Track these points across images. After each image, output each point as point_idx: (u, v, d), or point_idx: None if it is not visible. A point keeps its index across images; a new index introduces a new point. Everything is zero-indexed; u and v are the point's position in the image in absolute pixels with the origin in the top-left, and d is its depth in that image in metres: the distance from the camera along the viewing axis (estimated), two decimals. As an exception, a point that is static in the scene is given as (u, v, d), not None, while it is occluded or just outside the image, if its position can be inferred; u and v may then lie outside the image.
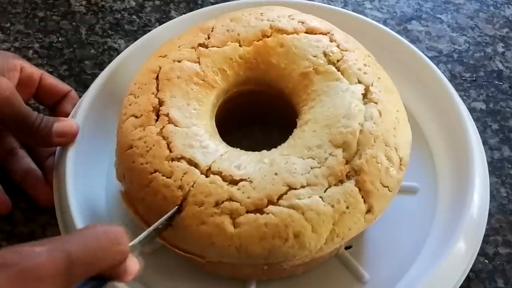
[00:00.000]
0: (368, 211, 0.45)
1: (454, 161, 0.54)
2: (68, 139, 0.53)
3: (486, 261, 0.53)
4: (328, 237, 0.44)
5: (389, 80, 0.51)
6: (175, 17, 0.69)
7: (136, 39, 0.62)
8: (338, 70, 0.50)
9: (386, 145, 0.46)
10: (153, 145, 0.47)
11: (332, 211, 0.44)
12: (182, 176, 0.45)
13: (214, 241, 0.44)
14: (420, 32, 0.68)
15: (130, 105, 0.50)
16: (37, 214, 0.55)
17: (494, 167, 0.58)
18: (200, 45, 0.52)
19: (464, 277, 0.49)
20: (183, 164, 0.46)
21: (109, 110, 0.56)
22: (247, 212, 0.44)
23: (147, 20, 0.69)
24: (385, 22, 0.68)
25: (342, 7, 0.70)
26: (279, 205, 0.44)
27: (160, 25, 0.67)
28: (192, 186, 0.45)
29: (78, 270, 0.35)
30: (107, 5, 0.70)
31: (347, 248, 0.51)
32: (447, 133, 0.55)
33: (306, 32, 0.52)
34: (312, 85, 0.50)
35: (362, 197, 0.45)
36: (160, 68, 0.51)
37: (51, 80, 0.57)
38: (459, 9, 0.70)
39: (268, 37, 0.52)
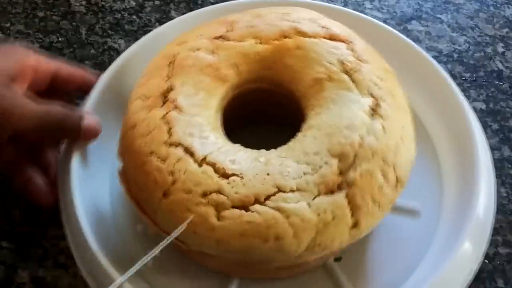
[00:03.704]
0: (354, 225, 0.45)
1: (459, 164, 0.54)
2: (92, 138, 0.53)
3: (486, 261, 0.53)
4: (309, 245, 0.44)
5: (403, 99, 0.50)
6: (175, 17, 0.70)
7: (136, 39, 0.62)
8: (351, 80, 0.49)
9: (384, 162, 0.45)
10: (154, 128, 0.47)
11: (316, 219, 0.44)
12: (176, 162, 0.46)
13: (196, 230, 0.44)
14: (420, 32, 0.68)
15: (141, 86, 0.51)
16: (37, 214, 0.55)
17: (494, 167, 0.58)
18: (219, 37, 0.52)
19: (470, 280, 0.48)
20: (179, 151, 0.46)
21: (113, 110, 0.55)
22: (233, 207, 0.44)
23: (147, 20, 0.69)
24: (385, 22, 0.68)
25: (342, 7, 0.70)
26: (265, 205, 0.44)
27: (160, 25, 0.67)
28: (184, 173, 0.45)
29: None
30: (107, 5, 0.71)
31: (337, 259, 0.50)
32: (452, 133, 0.55)
33: (327, 38, 0.51)
34: (322, 92, 0.49)
35: (351, 210, 0.44)
36: (176, 54, 0.51)
37: (68, 70, 0.56)
38: (459, 9, 0.70)
39: (288, 38, 0.51)
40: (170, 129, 0.47)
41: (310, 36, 0.51)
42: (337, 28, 0.52)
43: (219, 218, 0.44)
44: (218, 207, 0.44)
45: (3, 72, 0.50)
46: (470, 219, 0.49)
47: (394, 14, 0.70)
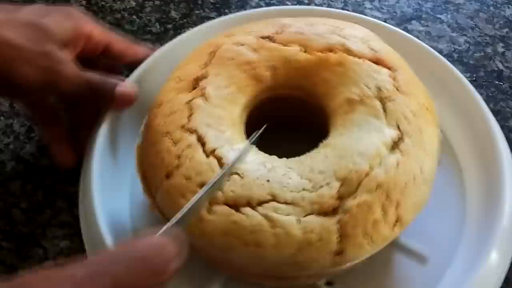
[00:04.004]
0: (339, 253, 0.43)
1: (483, 171, 0.53)
2: (127, 104, 0.54)
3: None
4: (288, 260, 0.43)
5: (433, 140, 0.48)
6: (175, 17, 0.70)
7: (136, 39, 0.62)
8: (383, 109, 0.47)
9: (387, 198, 0.44)
10: (177, 111, 0.49)
11: (301, 237, 0.43)
12: (186, 148, 0.46)
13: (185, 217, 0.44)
14: (420, 32, 0.68)
15: (180, 68, 0.52)
16: (37, 214, 0.55)
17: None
18: (266, 37, 0.52)
19: None
20: (192, 138, 0.47)
21: (133, 118, 0.55)
22: (225, 204, 0.44)
23: (147, 20, 0.69)
24: (385, 22, 0.68)
25: (342, 7, 0.70)
26: (256, 210, 0.44)
27: (160, 25, 0.68)
28: (189, 160, 0.46)
29: None
30: (107, 5, 0.71)
31: (329, 284, 0.49)
32: (474, 139, 0.55)
33: (372, 60, 0.50)
34: (351, 113, 0.48)
35: (339, 237, 0.43)
36: (220, 45, 0.52)
37: (120, 47, 0.57)
38: (459, 9, 0.70)
39: (333, 52, 0.50)
40: (190, 115, 0.48)
41: (355, 55, 0.50)
42: (387, 53, 0.51)
43: (209, 211, 0.44)
44: (211, 201, 0.44)
45: (58, 36, 0.51)
46: (497, 229, 0.48)
47: (394, 14, 0.70)
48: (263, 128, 0.48)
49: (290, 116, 0.54)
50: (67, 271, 0.33)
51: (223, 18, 0.63)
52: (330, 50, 0.51)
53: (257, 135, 0.48)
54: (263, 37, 0.52)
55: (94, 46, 0.55)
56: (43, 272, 0.33)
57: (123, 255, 0.34)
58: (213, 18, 0.69)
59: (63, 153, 0.56)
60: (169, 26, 0.69)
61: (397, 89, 0.48)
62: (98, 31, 0.55)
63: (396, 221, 0.44)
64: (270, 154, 0.48)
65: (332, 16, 0.56)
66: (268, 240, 0.43)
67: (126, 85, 0.54)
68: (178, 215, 0.40)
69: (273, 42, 0.52)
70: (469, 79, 0.64)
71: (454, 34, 0.68)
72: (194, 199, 0.42)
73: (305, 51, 0.51)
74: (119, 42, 0.57)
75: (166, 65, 0.55)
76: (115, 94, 0.53)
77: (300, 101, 0.52)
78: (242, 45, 0.52)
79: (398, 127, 0.47)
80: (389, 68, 0.50)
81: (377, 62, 0.50)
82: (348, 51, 0.50)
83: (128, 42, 0.58)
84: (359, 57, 0.50)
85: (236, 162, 0.45)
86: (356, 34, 0.52)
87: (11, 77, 0.49)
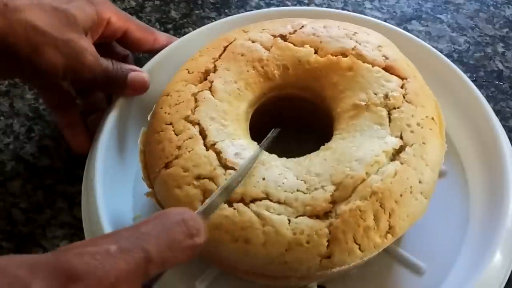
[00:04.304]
0: (327, 257, 0.43)
1: (486, 171, 0.53)
2: (139, 91, 0.55)
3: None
4: (276, 259, 0.43)
5: (435, 151, 0.47)
6: (175, 17, 0.70)
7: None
8: (388, 117, 0.47)
9: (380, 206, 0.43)
10: (183, 102, 0.49)
11: (291, 237, 0.43)
12: (187, 139, 0.47)
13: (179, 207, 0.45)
14: (420, 32, 0.68)
15: (193, 60, 0.53)
16: (37, 214, 0.55)
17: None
18: (279, 36, 0.52)
19: None
20: (194, 130, 0.47)
21: (135, 120, 0.56)
22: None
23: (147, 20, 0.69)
24: (385, 22, 0.68)
25: (342, 7, 0.70)
26: (248, 207, 0.44)
27: (160, 25, 0.67)
28: (189, 152, 0.46)
29: (154, 269, 0.34)
30: (107, 5, 0.70)
31: (320, 287, 0.49)
32: (477, 138, 0.55)
33: (383, 68, 0.50)
34: (356, 119, 0.48)
35: (328, 241, 0.43)
36: (233, 40, 0.53)
37: (137, 35, 0.57)
38: (459, 9, 0.70)
39: (345, 56, 0.50)
40: (196, 107, 0.49)
41: (366, 61, 0.50)
42: (399, 61, 0.50)
43: (203, 203, 0.44)
44: (206, 193, 0.45)
45: (80, 24, 0.52)
46: (501, 229, 0.48)
47: (394, 14, 0.70)
48: (272, 132, 0.48)
49: (297, 116, 0.54)
50: (101, 246, 0.33)
51: (232, 17, 0.62)
52: (343, 54, 0.50)
53: (269, 140, 0.48)
54: (277, 36, 0.52)
55: (112, 32, 0.56)
56: (77, 247, 0.33)
57: (154, 225, 0.35)
58: (213, 18, 0.69)
59: (76, 138, 0.56)
60: (169, 26, 0.69)
61: (405, 98, 0.48)
62: (116, 17, 0.55)
63: (389, 230, 0.44)
64: (276, 153, 0.48)
65: (332, 17, 0.56)
66: (258, 237, 0.43)
67: (139, 72, 0.55)
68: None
69: (286, 41, 0.52)
70: (469, 79, 0.64)
71: (454, 34, 0.68)
72: (207, 201, 0.42)
73: (317, 53, 0.51)
74: (137, 30, 0.57)
75: (176, 61, 0.56)
76: (128, 80, 0.54)
77: (307, 102, 0.52)
78: (254, 42, 0.52)
79: (401, 136, 0.46)
80: (399, 77, 0.49)
81: (389, 70, 0.50)
82: (360, 57, 0.50)
83: (147, 30, 0.59)
84: (371, 64, 0.50)
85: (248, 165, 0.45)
86: (371, 40, 0.52)
87: (36, 62, 0.49)
